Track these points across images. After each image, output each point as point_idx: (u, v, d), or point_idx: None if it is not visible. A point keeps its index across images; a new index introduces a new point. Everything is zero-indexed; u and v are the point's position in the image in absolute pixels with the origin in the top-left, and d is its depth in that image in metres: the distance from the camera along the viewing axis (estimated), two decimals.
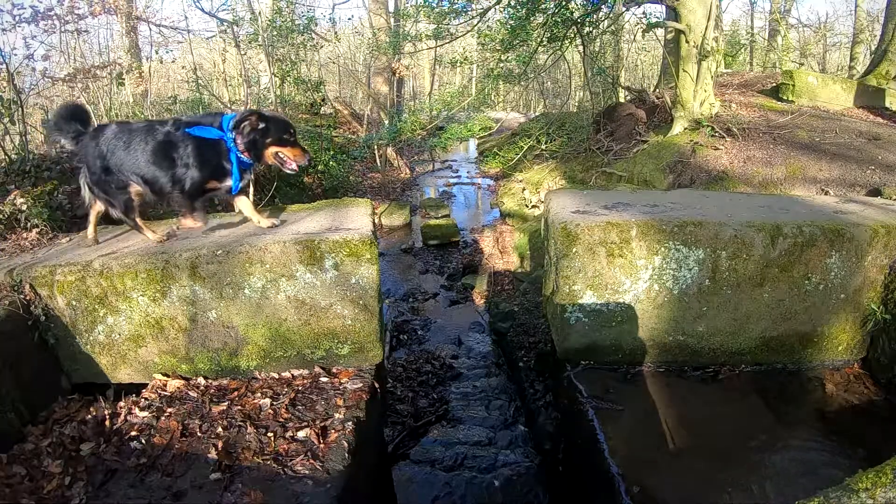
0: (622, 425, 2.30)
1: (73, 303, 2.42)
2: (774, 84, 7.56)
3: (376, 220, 2.76)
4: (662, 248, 2.51)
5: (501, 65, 9.55)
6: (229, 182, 2.59)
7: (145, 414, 2.30)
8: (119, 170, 2.53)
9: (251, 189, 2.69)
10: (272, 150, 2.56)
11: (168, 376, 2.53)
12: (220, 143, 2.52)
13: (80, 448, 2.13)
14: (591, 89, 10.27)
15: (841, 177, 4.91)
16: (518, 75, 10.00)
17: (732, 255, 2.50)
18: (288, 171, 2.65)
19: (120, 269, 2.38)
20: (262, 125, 2.51)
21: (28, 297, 2.39)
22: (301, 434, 2.16)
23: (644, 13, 7.86)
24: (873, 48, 10.60)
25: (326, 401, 2.37)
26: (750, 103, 6.93)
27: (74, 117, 2.60)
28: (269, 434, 2.16)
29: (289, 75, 9.27)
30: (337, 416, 2.26)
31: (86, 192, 2.70)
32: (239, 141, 2.50)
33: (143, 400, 2.40)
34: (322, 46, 12.14)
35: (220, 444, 2.09)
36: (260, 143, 2.53)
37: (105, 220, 2.78)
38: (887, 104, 7.05)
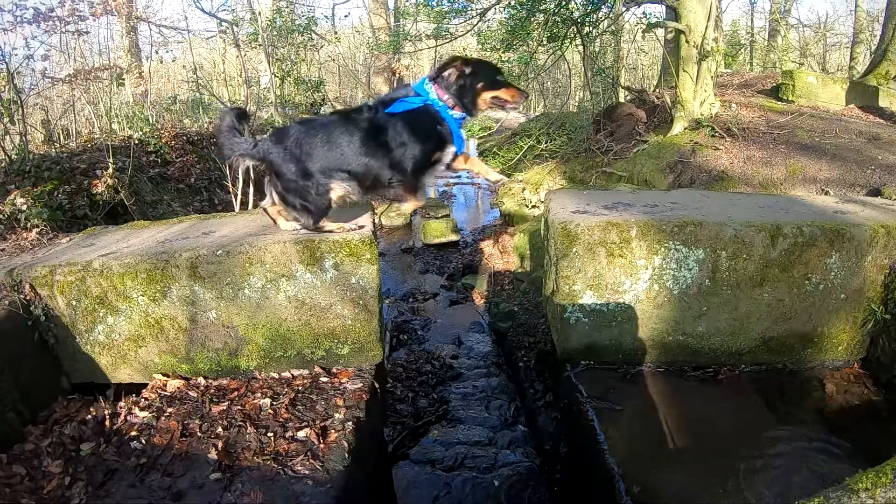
0: (622, 425, 2.30)
1: (73, 303, 2.42)
2: (774, 84, 7.55)
3: (376, 220, 2.76)
4: (662, 248, 2.51)
5: (501, 65, 9.54)
6: (452, 148, 2.37)
7: (145, 414, 2.30)
8: (321, 171, 2.33)
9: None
10: (487, 95, 2.33)
11: (168, 376, 2.53)
12: (427, 109, 2.30)
13: (80, 448, 2.13)
14: (591, 89, 10.27)
15: (841, 177, 4.91)
16: (518, 75, 9.99)
17: (732, 255, 2.50)
18: (508, 111, 2.46)
19: (120, 269, 2.38)
20: (468, 69, 2.28)
21: (28, 297, 2.39)
22: (301, 434, 2.16)
23: (644, 13, 7.86)
24: (873, 48, 10.59)
25: (326, 401, 2.37)
26: (750, 103, 6.93)
27: (239, 121, 2.41)
28: (269, 434, 2.16)
29: (289, 75, 9.27)
30: (337, 416, 2.26)
31: (274, 199, 2.51)
32: (445, 96, 2.29)
33: (143, 400, 2.40)
34: (322, 46, 12.15)
35: (220, 444, 2.09)
36: (470, 90, 2.30)
37: (108, 217, 2.77)
38: (887, 104, 7.05)
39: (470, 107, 2.35)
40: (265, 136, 2.44)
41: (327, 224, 2.48)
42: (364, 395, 2.41)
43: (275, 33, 9.19)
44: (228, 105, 7.00)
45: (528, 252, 5.55)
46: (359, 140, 2.31)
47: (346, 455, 2.07)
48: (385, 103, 2.34)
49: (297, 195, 2.37)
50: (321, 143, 2.33)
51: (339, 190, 2.39)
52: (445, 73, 2.29)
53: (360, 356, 2.59)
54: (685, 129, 6.26)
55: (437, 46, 12.51)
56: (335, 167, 2.34)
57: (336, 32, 13.21)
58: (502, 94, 2.35)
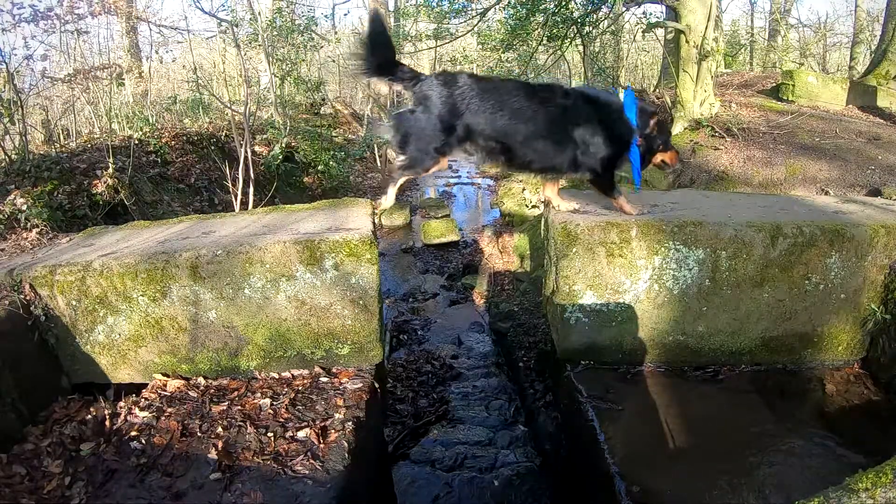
0: (622, 425, 2.30)
1: (73, 303, 2.42)
2: (774, 84, 7.56)
3: (376, 220, 2.76)
4: (662, 248, 2.51)
5: (501, 64, 9.54)
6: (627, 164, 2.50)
7: (145, 414, 2.30)
8: (476, 132, 2.29)
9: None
10: (660, 156, 2.59)
11: (168, 376, 2.53)
12: (632, 129, 2.42)
13: (80, 448, 2.13)
14: None
15: (841, 177, 4.91)
16: (518, 75, 10.00)
17: (732, 255, 2.50)
18: (665, 169, 2.73)
19: (120, 269, 2.38)
20: (658, 129, 2.50)
21: (28, 297, 2.39)
22: (301, 434, 2.16)
23: (644, 13, 7.87)
24: (873, 48, 10.60)
25: (326, 401, 2.37)
26: (750, 103, 6.94)
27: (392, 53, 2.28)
28: (269, 434, 2.16)
29: (289, 75, 9.26)
30: (337, 416, 2.26)
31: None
32: (639, 137, 2.43)
33: (143, 400, 2.40)
34: (322, 47, 12.14)
35: (220, 444, 2.09)
36: (654, 145, 2.51)
37: (108, 217, 2.77)
38: (887, 104, 7.05)
39: (647, 157, 2.52)
40: (430, 76, 2.37)
41: (395, 188, 2.48)
42: (364, 395, 2.41)
43: (275, 33, 9.18)
44: (228, 105, 6.99)
45: (528, 252, 5.55)
46: (548, 120, 2.33)
47: (346, 455, 2.07)
48: (587, 97, 2.41)
49: (417, 138, 2.32)
50: (493, 107, 2.27)
51: (469, 157, 2.42)
52: (649, 122, 2.44)
53: (360, 356, 2.59)
54: (685, 129, 6.26)
55: (437, 47, 12.50)
56: (494, 136, 2.31)
57: (336, 32, 13.20)
58: (668, 157, 2.59)
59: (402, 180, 2.48)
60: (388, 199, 2.49)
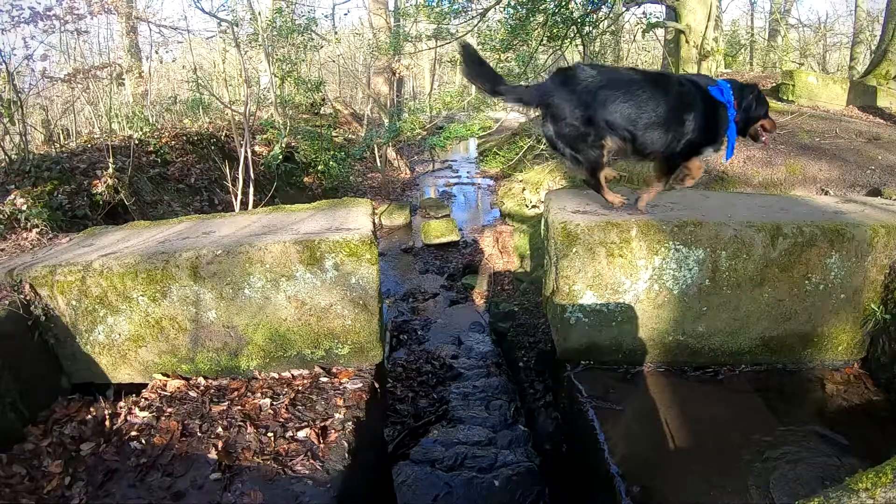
0: (622, 425, 2.30)
1: (74, 303, 2.42)
2: (774, 84, 7.56)
3: (376, 220, 2.76)
4: (662, 248, 2.51)
5: (501, 65, 9.54)
6: (712, 148, 2.53)
7: (145, 414, 2.30)
8: (607, 122, 2.33)
9: None
10: (757, 125, 2.55)
11: (168, 376, 2.53)
12: (725, 110, 2.44)
13: (80, 448, 2.13)
14: None
15: (841, 177, 4.91)
16: (518, 75, 10.00)
17: (732, 255, 2.50)
18: (761, 142, 2.68)
19: (120, 269, 2.38)
20: (758, 101, 2.49)
21: (28, 297, 2.39)
22: (301, 434, 2.16)
23: (644, 13, 7.87)
24: (873, 48, 10.61)
25: (326, 401, 2.37)
26: None
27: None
28: (269, 434, 2.17)
29: (289, 75, 9.26)
30: (337, 416, 2.26)
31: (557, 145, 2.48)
32: (737, 112, 2.44)
33: (143, 400, 2.40)
34: (322, 47, 12.15)
35: (220, 444, 2.09)
36: (754, 118, 2.50)
37: (108, 217, 2.76)
38: (887, 104, 7.05)
39: (744, 129, 2.52)
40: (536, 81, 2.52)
41: (606, 187, 2.53)
42: (364, 395, 2.41)
43: (275, 33, 9.18)
44: (228, 105, 7.00)
45: (528, 252, 5.55)
46: (667, 107, 2.35)
47: (346, 455, 2.07)
48: (695, 83, 2.43)
49: (569, 142, 2.38)
50: (621, 97, 2.32)
51: (609, 146, 2.42)
52: (749, 98, 2.45)
53: (360, 356, 2.59)
54: None
55: (437, 47, 12.51)
56: (625, 125, 2.36)
57: (336, 32, 13.20)
58: (766, 123, 2.56)
59: (604, 182, 2.57)
60: (615, 197, 2.60)
